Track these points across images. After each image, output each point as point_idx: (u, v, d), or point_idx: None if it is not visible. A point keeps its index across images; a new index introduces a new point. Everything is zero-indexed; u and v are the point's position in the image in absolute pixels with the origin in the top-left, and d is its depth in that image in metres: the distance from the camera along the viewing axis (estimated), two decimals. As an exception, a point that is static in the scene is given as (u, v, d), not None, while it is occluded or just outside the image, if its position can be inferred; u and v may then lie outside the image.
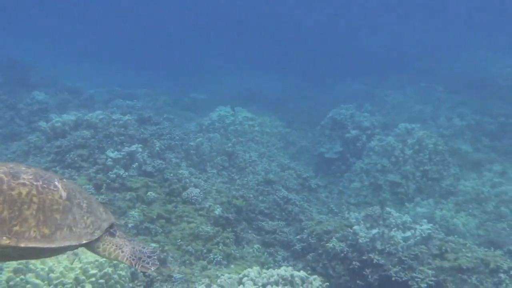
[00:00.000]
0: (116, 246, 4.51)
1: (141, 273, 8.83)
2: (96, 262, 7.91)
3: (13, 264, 7.89)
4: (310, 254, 11.32)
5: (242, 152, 16.73)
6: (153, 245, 10.05)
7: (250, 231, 12.19)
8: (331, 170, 19.15)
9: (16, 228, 3.83)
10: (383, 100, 29.27)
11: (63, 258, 7.95)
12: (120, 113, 16.63)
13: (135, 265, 4.47)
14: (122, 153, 12.94)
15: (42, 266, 7.74)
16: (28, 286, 7.51)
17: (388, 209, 11.83)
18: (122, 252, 4.49)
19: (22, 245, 3.84)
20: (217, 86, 33.88)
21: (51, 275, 7.58)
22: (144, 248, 4.66)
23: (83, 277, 7.61)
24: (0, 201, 3.82)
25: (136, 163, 12.99)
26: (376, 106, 26.99)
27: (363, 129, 19.74)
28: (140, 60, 39.89)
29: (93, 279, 7.69)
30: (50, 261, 7.86)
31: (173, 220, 11.42)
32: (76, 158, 13.08)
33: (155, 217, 11.32)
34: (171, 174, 13.13)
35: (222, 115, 19.34)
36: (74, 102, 24.02)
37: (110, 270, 7.92)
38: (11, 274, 7.73)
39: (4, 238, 3.78)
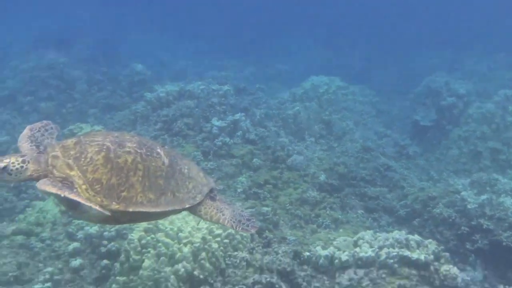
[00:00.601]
0: (217, 210, 4.71)
1: (257, 235, 9.21)
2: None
3: (143, 224, 8.46)
4: (416, 220, 11.42)
5: (339, 120, 16.85)
6: (265, 208, 10.44)
7: (353, 197, 12.36)
8: (426, 138, 18.90)
9: (124, 193, 4.11)
10: (472, 68, 28.40)
11: (190, 219, 8.44)
12: (217, 84, 17.04)
13: (236, 227, 4.65)
14: (227, 121, 13.40)
15: (171, 226, 8.25)
16: (159, 244, 8.03)
17: (495, 175, 11.74)
18: (223, 215, 4.68)
19: (130, 209, 4.12)
20: (295, 58, 33.50)
21: (180, 234, 8.07)
22: (243, 211, 4.84)
23: (210, 237, 8.06)
24: (108, 169, 4.11)
25: (240, 131, 13.41)
26: (466, 74, 26.23)
27: (459, 96, 19.33)
28: (210, 31, 39.85)
29: (219, 239, 8.13)
30: (178, 222, 8.36)
31: (280, 185, 11.77)
32: (183, 127, 13.66)
33: (262, 182, 11.72)
34: (273, 142, 13.47)
35: (315, 85, 19.48)
36: (168, 73, 24.75)
37: (233, 230, 8.33)
38: (142, 233, 8.30)
39: (114, 203, 4.05)
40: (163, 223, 8.35)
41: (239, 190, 11.45)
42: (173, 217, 8.47)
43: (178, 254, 7.84)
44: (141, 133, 13.82)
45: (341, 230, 10.56)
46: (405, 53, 34.55)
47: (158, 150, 4.46)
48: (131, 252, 8.17)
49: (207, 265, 7.83)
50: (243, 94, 17.36)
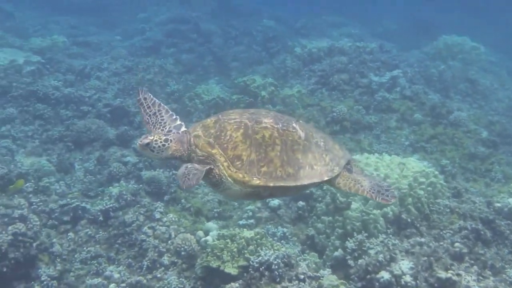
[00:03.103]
0: (355, 181, 4.65)
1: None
2: (423, 172, 8.98)
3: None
4: None
5: (482, 79, 17.05)
6: (444, 161, 11.03)
7: (509, 155, 12.74)
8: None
9: (264, 169, 4.16)
10: None
11: (394, 166, 9.12)
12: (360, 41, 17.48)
13: (375, 198, 4.56)
14: (386, 77, 13.93)
15: (377, 172, 8.92)
16: (366, 186, 8.72)
17: None
18: (362, 186, 4.62)
19: (271, 184, 4.16)
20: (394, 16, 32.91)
21: (388, 180, 8.74)
22: (381, 181, 4.79)
23: (415, 184, 8.71)
24: (247, 145, 4.19)
25: (399, 87, 13.93)
26: None
27: None
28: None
29: (423, 186, 8.78)
30: (383, 169, 9.04)
31: (446, 140, 12.28)
32: (340, 81, 14.29)
33: (428, 137, 12.27)
34: (425, 99, 13.93)
35: (448, 44, 19.61)
36: (291, 30, 25.12)
37: (434, 180, 8.97)
38: (348, 176, 9.02)
39: (255, 178, 4.13)
40: (368, 169, 9.06)
41: (406, 144, 12.06)
42: (378, 164, 9.19)
43: (387, 199, 8.53)
44: (296, 86, 14.52)
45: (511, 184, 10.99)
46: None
47: (294, 125, 4.47)
48: (338, 195, 8.93)
49: (413, 210, 8.51)
50: (381, 52, 17.72)
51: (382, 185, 4.67)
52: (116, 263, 8.30)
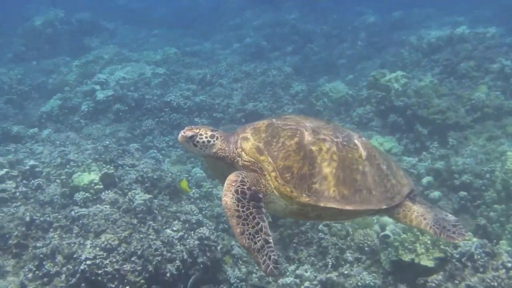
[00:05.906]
0: (418, 213, 4.14)
1: None
2: None
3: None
4: None
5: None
6: None
7: None
8: None
9: (316, 186, 3.66)
10: None
11: None
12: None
13: (440, 234, 4.07)
14: (518, 59, 13.48)
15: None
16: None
17: None
18: (425, 219, 4.12)
19: (321, 204, 3.66)
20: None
21: None
22: (447, 216, 4.28)
23: None
24: (300, 156, 3.70)
25: (534, 69, 13.45)
26: None
27: None
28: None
29: None
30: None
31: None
32: (468, 69, 13.88)
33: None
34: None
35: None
36: (388, 24, 24.57)
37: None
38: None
39: (304, 195, 3.65)
40: (541, 153, 8.71)
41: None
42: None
43: None
44: (417, 76, 14.18)
45: None
46: None
47: (356, 141, 3.96)
48: (510, 181, 8.63)
49: None
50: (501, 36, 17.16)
51: (448, 220, 4.20)
52: (297, 262, 8.24)
